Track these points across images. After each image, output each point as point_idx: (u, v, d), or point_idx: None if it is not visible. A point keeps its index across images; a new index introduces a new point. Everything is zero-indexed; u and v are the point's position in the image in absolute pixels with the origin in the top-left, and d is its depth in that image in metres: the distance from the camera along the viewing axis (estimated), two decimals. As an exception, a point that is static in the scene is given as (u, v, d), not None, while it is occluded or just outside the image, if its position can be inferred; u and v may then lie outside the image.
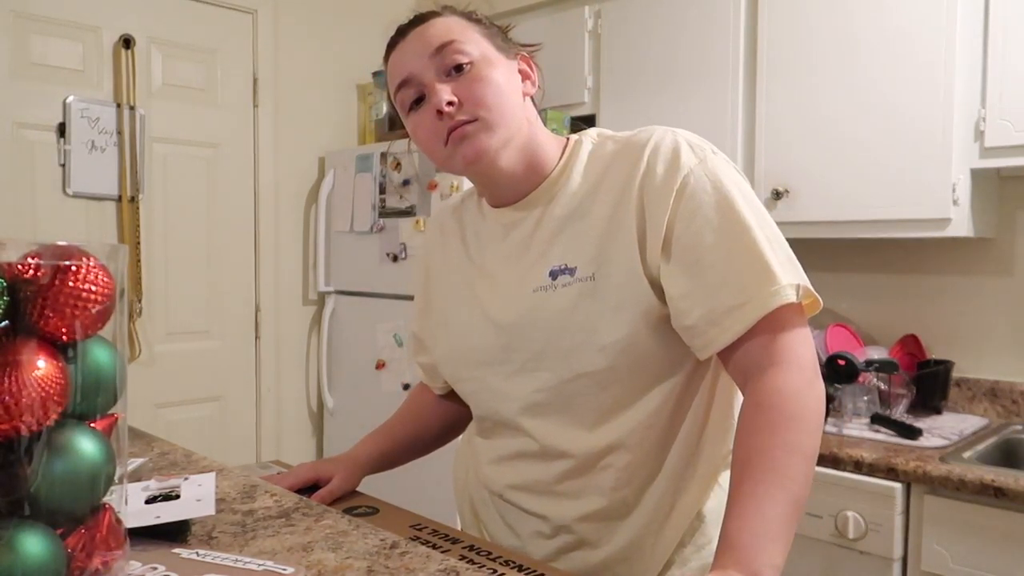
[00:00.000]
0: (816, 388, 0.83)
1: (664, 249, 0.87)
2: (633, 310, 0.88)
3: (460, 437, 1.20)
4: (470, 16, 0.97)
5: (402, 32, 0.96)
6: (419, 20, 0.96)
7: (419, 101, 0.94)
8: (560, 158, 0.98)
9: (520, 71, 0.97)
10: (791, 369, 0.82)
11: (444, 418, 1.21)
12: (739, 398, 0.97)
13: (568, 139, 1.00)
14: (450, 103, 0.89)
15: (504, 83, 0.92)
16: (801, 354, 0.84)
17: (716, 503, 0.97)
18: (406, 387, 2.53)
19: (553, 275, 0.92)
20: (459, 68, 0.91)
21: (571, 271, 0.91)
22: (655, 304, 0.88)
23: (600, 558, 0.96)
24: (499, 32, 0.98)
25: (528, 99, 0.98)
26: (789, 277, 0.84)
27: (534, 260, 0.95)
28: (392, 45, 0.98)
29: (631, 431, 0.92)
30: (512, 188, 0.98)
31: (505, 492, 1.03)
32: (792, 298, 0.83)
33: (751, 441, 0.80)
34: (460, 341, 1.03)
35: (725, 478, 0.98)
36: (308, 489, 1.10)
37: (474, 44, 0.92)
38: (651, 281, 0.88)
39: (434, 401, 1.22)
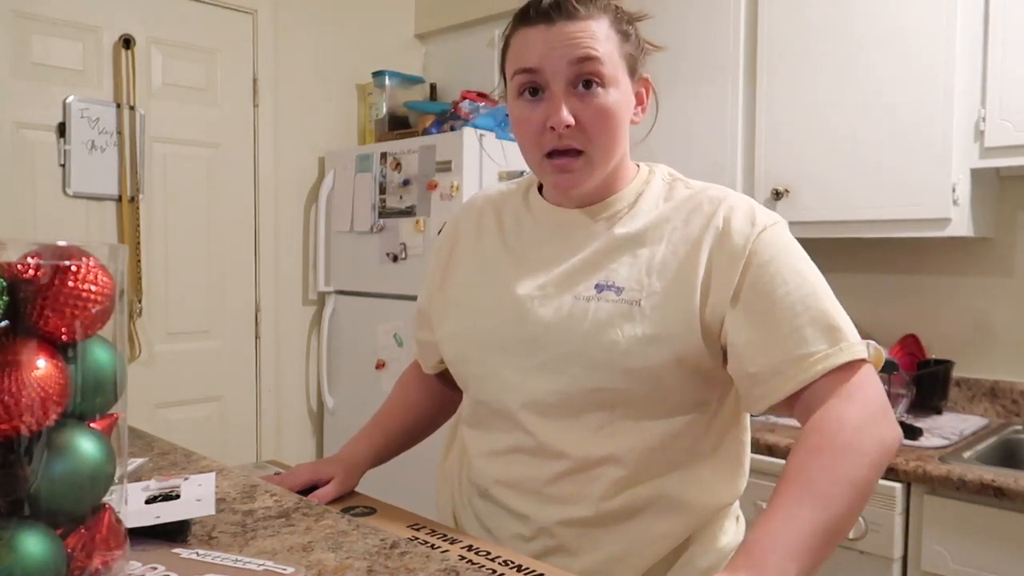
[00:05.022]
0: (881, 426, 0.84)
1: (733, 298, 0.89)
2: (669, 348, 0.90)
3: (443, 444, 1.19)
4: (621, 24, 0.94)
5: (552, 9, 0.91)
6: (569, 10, 0.90)
7: (535, 91, 0.92)
8: (631, 180, 1.00)
9: (637, 94, 0.98)
10: (855, 403, 0.84)
11: (434, 405, 1.22)
12: (747, 455, 1.02)
13: (639, 165, 1.03)
14: (568, 126, 0.90)
15: (621, 114, 0.93)
16: (869, 393, 0.85)
17: (710, 554, 0.98)
18: (406, 387, 2.53)
19: (599, 288, 0.93)
20: (588, 85, 0.90)
21: (617, 290, 0.93)
22: (695, 349, 0.90)
23: (578, 567, 0.96)
24: (637, 46, 0.97)
25: (635, 123, 0.99)
26: (856, 337, 0.87)
27: (583, 269, 0.96)
28: (529, 18, 0.92)
29: (631, 448, 0.93)
30: (580, 198, 0.99)
31: (492, 487, 1.02)
32: (863, 354, 0.86)
33: (795, 459, 0.82)
34: (479, 321, 1.02)
35: (721, 529, 1.00)
36: (306, 490, 1.10)
37: (612, 65, 0.91)
38: (705, 328, 0.90)
39: (423, 388, 1.22)
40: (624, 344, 0.90)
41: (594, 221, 0.98)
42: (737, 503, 1.06)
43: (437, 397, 1.22)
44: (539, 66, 0.90)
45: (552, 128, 0.90)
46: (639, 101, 0.98)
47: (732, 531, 1.03)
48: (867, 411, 0.83)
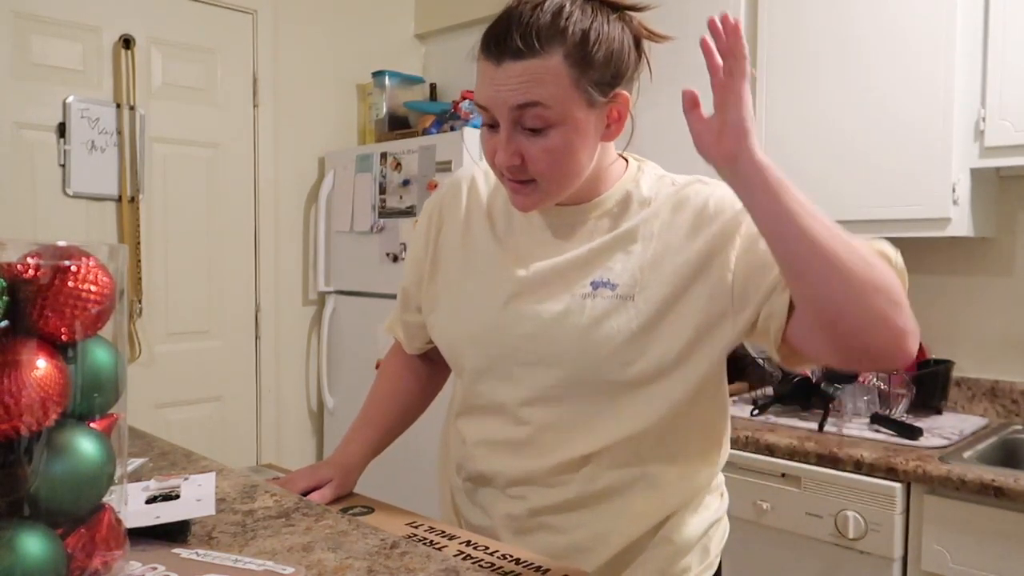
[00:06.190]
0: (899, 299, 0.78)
1: (736, 261, 0.90)
2: (663, 338, 0.91)
3: (441, 430, 1.21)
4: (582, 52, 0.86)
5: (498, 47, 0.87)
6: (516, 51, 0.85)
7: (492, 124, 0.91)
8: (619, 177, 0.99)
9: (610, 112, 0.92)
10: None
11: (422, 388, 1.23)
12: (727, 430, 1.04)
13: (627, 160, 1.02)
14: (515, 164, 0.90)
15: (572, 149, 0.90)
16: None
17: (687, 528, 1.01)
18: (406, 387, 2.53)
19: (595, 285, 0.95)
20: (535, 131, 0.88)
21: (612, 286, 0.94)
22: (687, 335, 0.91)
23: (563, 544, 0.99)
24: (610, 66, 0.89)
25: (606, 140, 0.95)
26: None
27: (579, 266, 0.96)
28: (483, 50, 0.89)
29: (618, 438, 0.96)
30: (567, 198, 0.98)
31: (484, 473, 1.04)
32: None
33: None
34: (473, 318, 1.02)
35: (702, 504, 1.03)
36: (303, 494, 1.10)
37: (560, 104, 0.86)
38: (700, 312, 0.91)
39: (409, 374, 1.23)
40: (620, 337, 0.92)
41: (585, 219, 0.98)
42: (721, 479, 1.10)
43: (424, 378, 1.23)
44: (487, 105, 0.90)
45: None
46: (613, 120, 0.93)
47: (715, 506, 1.06)
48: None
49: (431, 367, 1.23)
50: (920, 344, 2.11)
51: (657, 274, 0.93)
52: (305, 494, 1.09)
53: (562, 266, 0.97)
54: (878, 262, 0.79)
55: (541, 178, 0.91)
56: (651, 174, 1.01)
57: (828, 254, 0.76)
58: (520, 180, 0.91)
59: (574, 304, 0.94)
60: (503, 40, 0.86)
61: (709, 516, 1.04)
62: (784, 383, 2.03)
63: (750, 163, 0.78)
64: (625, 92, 0.92)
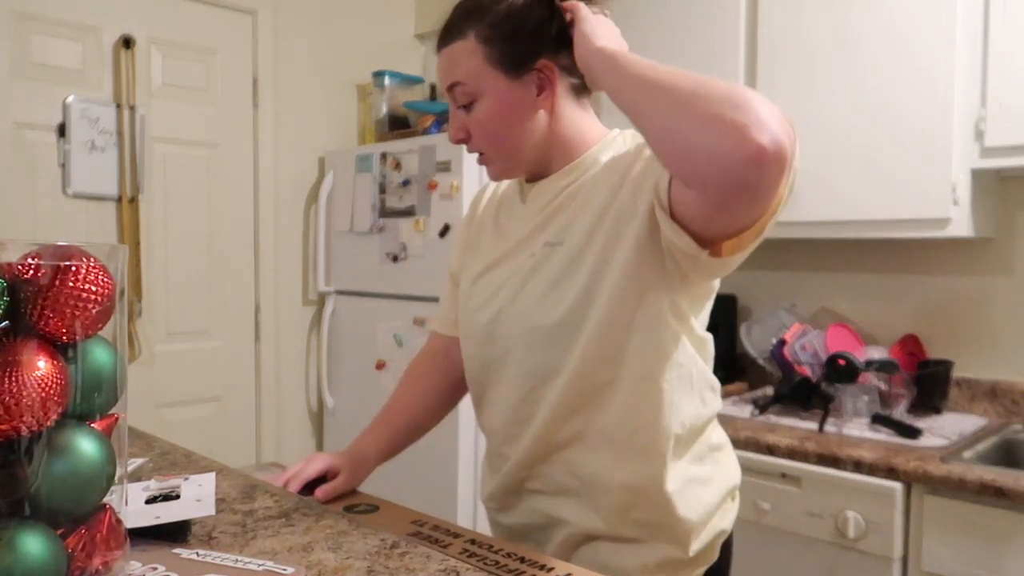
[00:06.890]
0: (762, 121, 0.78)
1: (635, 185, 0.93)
2: (587, 270, 0.94)
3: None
4: (491, 34, 0.96)
5: (438, 40, 1.03)
6: (443, 38, 1.01)
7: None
8: (594, 144, 1.03)
9: (540, 81, 0.98)
10: None
11: (445, 392, 1.25)
12: (681, 404, 0.99)
13: (610, 132, 1.06)
14: (460, 139, 1.02)
15: (501, 118, 0.98)
16: None
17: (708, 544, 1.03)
18: (406, 387, 2.53)
19: (544, 244, 1.01)
20: (467, 107, 1.00)
21: (552, 244, 1.00)
22: (605, 257, 0.93)
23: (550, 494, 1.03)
24: (522, 39, 0.96)
25: (546, 108, 0.99)
26: None
27: (537, 230, 1.02)
28: (438, 44, 1.04)
29: (569, 389, 0.98)
30: (540, 172, 1.05)
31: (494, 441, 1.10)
32: None
33: None
34: (459, 299, 1.12)
35: (724, 507, 1.06)
36: (308, 487, 1.10)
37: (477, 79, 0.97)
38: (613, 230, 0.93)
39: (433, 375, 1.25)
40: (549, 279, 0.97)
41: (554, 186, 1.03)
42: (737, 479, 1.10)
43: (449, 382, 1.24)
44: (442, 89, 1.03)
45: None
46: (543, 87, 0.98)
47: (725, 509, 1.07)
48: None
49: (461, 375, 1.22)
50: (920, 344, 2.12)
51: (579, 217, 0.97)
52: (315, 482, 1.10)
53: (523, 234, 1.04)
54: (714, 81, 0.78)
55: (483, 149, 1.02)
56: (623, 140, 1.03)
57: (657, 84, 0.80)
58: (476, 154, 1.03)
59: (520, 264, 1.02)
60: (439, 33, 1.02)
61: (722, 525, 1.05)
62: (784, 383, 2.03)
63: (588, 56, 0.90)
64: (549, 61, 0.97)
